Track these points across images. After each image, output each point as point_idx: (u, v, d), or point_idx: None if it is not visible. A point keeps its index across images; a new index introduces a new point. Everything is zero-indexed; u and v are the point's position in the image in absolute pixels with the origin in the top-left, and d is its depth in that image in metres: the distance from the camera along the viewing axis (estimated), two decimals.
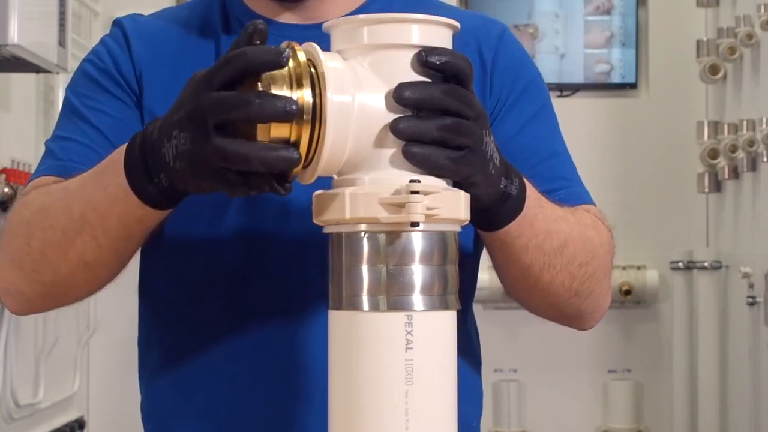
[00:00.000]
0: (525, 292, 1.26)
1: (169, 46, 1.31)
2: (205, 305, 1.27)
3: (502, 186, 1.07)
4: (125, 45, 1.31)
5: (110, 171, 1.10)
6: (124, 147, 1.09)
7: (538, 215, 1.15)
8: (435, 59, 0.97)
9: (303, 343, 1.23)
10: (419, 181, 0.94)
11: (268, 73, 0.95)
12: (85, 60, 1.33)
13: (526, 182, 1.13)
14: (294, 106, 0.93)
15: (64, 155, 1.27)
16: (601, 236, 1.26)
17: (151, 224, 1.15)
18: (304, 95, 0.94)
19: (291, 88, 0.95)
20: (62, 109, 1.33)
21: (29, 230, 1.18)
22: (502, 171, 1.07)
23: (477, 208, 1.03)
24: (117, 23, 1.34)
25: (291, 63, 0.96)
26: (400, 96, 0.96)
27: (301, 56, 0.96)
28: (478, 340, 1.38)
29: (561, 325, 1.32)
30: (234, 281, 1.26)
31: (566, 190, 1.29)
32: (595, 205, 1.32)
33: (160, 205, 1.09)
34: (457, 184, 1.00)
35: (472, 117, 0.99)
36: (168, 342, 1.32)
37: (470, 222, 1.03)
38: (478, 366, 1.36)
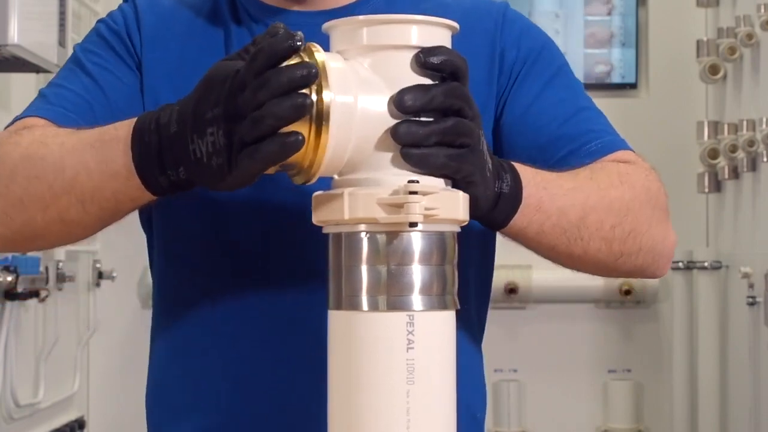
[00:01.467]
0: (568, 265, 1.24)
1: (178, 28, 1.31)
2: (212, 294, 1.27)
3: (496, 189, 1.07)
4: (135, 17, 1.31)
5: (115, 147, 1.08)
6: (129, 123, 1.07)
7: (543, 198, 1.14)
8: (434, 59, 0.97)
9: (312, 330, 1.23)
10: (418, 182, 0.94)
11: None
12: (99, 21, 1.33)
13: (522, 170, 1.12)
14: (308, 101, 0.93)
15: (56, 101, 1.25)
16: (633, 188, 1.22)
17: (143, 204, 1.13)
18: (322, 96, 0.94)
19: (308, 88, 0.95)
20: (66, 61, 1.31)
21: (12, 173, 1.14)
22: (495, 173, 1.07)
23: (475, 213, 1.03)
24: None
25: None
26: (400, 103, 0.95)
27: (319, 56, 0.96)
28: (482, 334, 1.38)
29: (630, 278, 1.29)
30: (242, 270, 1.26)
31: (597, 141, 1.27)
32: (632, 150, 1.30)
33: (163, 194, 1.08)
34: (455, 186, 1.00)
35: (471, 116, 1.00)
36: (174, 330, 1.31)
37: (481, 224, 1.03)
38: (481, 359, 1.36)
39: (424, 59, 0.97)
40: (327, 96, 0.94)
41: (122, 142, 1.07)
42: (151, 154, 1.04)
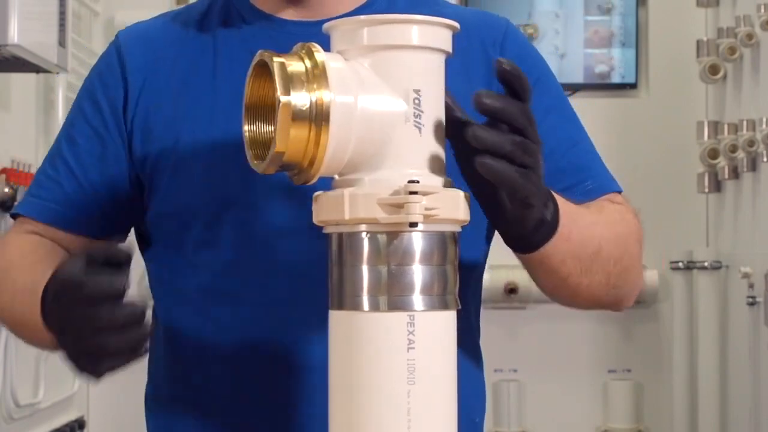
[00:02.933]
0: (567, 298, 1.28)
1: (168, 46, 1.33)
2: (213, 312, 1.29)
3: (541, 215, 1.08)
4: (118, 64, 1.33)
5: (37, 302, 1.14)
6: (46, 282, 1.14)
7: (573, 230, 1.15)
8: (507, 67, 0.98)
9: (304, 339, 1.24)
10: (418, 182, 0.94)
11: (285, 74, 0.95)
12: (83, 88, 1.37)
13: (559, 199, 1.13)
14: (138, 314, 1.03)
15: (42, 193, 1.35)
16: (629, 226, 1.28)
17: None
18: (323, 96, 0.94)
19: (308, 88, 0.95)
20: (57, 136, 1.38)
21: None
22: (544, 199, 1.08)
23: (516, 234, 1.05)
24: (116, 37, 1.37)
25: (308, 63, 0.96)
26: (479, 101, 0.96)
27: (319, 57, 0.96)
28: (479, 337, 1.39)
29: (597, 309, 1.34)
30: (244, 297, 1.27)
31: (592, 180, 1.31)
32: (621, 191, 1.33)
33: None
34: (511, 204, 1.01)
35: (534, 140, 1.00)
36: (174, 343, 1.33)
37: (506, 244, 1.05)
38: (480, 362, 1.36)
39: (503, 67, 0.98)
40: (327, 96, 0.94)
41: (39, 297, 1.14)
42: (51, 320, 1.12)
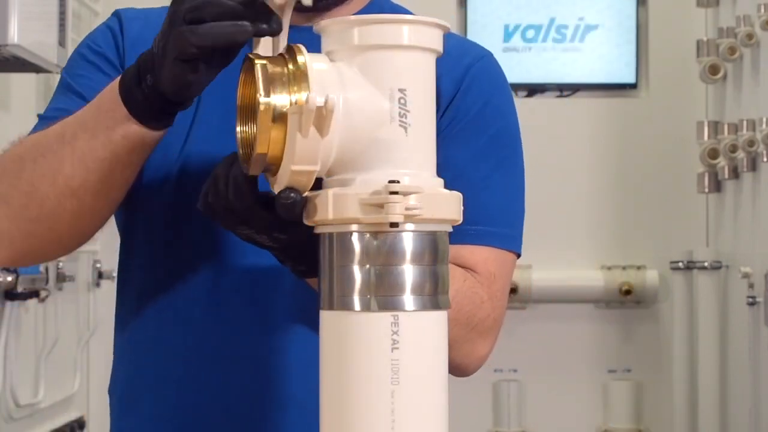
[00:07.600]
0: None
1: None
2: (174, 290, 1.30)
3: None
4: (120, 28, 1.35)
5: (107, 91, 1.14)
6: None
7: None
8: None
9: (265, 331, 1.25)
10: (398, 182, 0.94)
11: (267, 76, 0.95)
12: (81, 44, 1.37)
13: None
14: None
15: (53, 119, 1.29)
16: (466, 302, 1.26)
17: (135, 146, 1.15)
18: (302, 97, 0.95)
19: (289, 89, 0.95)
20: (56, 87, 1.36)
21: (21, 163, 1.20)
22: None
23: None
24: (115, 11, 1.38)
25: (291, 65, 0.96)
26: None
27: (301, 58, 0.96)
28: None
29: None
30: (201, 271, 1.29)
31: (489, 226, 1.30)
32: (517, 252, 1.33)
33: (144, 116, 1.12)
34: None
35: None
36: (127, 319, 1.35)
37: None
38: None
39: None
40: (305, 97, 0.94)
41: (113, 83, 1.14)
42: (130, 71, 1.11)
